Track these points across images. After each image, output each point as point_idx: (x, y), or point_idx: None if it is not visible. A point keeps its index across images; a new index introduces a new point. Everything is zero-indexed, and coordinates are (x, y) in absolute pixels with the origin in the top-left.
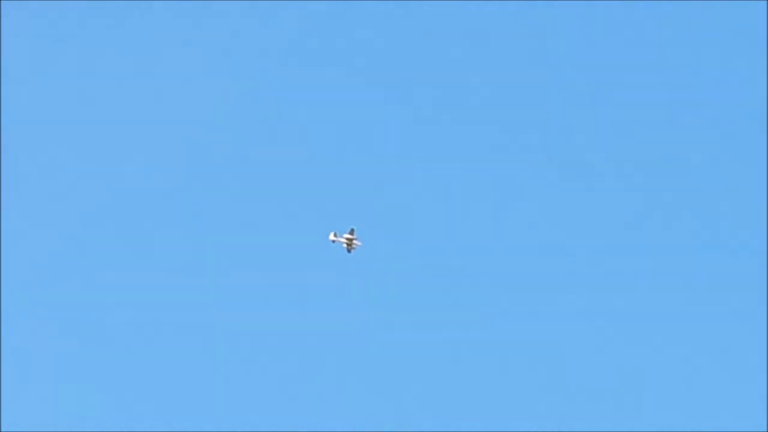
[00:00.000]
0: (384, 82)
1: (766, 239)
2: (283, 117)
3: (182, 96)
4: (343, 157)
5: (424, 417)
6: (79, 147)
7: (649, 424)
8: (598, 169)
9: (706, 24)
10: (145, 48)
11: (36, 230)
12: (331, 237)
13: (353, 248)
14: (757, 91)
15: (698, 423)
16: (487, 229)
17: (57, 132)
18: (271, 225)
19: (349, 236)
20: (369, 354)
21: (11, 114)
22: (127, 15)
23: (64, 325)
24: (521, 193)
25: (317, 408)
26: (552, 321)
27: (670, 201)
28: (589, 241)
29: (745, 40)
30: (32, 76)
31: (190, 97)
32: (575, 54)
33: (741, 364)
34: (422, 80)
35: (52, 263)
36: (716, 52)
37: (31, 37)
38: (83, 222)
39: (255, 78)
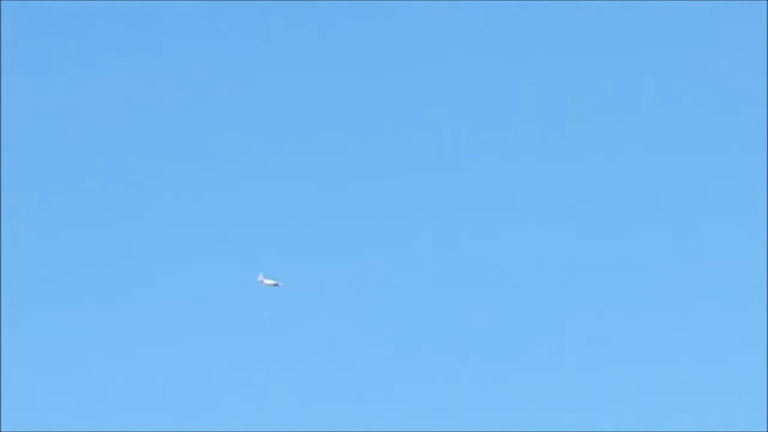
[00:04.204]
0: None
1: (767, 239)
2: (283, 116)
3: (183, 96)
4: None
5: (423, 417)
6: (79, 147)
7: (649, 424)
8: (596, 168)
9: (706, 24)
10: (145, 48)
11: (36, 230)
12: (260, 279)
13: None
14: (757, 91)
15: (698, 423)
16: (484, 230)
17: (57, 132)
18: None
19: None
20: (367, 353)
21: (11, 114)
22: (127, 15)
23: (65, 325)
24: (519, 191)
25: (315, 408)
26: (551, 320)
27: (669, 201)
28: (588, 240)
29: (745, 40)
30: (32, 76)
31: (191, 97)
32: (574, 53)
33: (741, 364)
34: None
35: (52, 263)
36: (716, 52)
37: (31, 37)
38: (83, 222)
39: (255, 77)
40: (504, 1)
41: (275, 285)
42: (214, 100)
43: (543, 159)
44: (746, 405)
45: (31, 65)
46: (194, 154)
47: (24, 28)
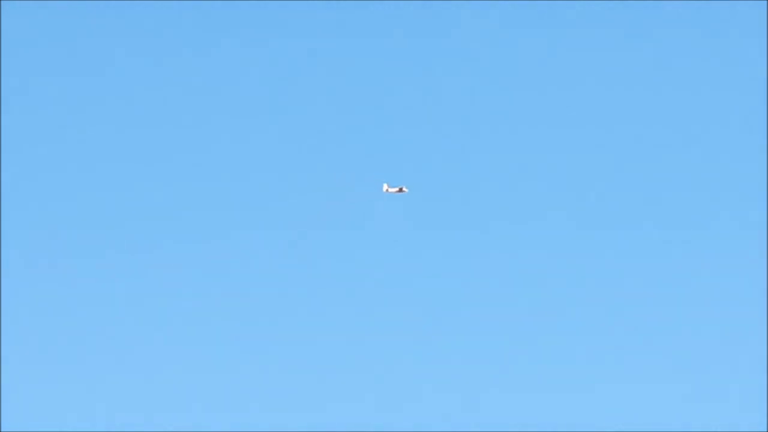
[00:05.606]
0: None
1: (766, 239)
2: (287, 114)
3: (183, 96)
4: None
5: (423, 417)
6: (79, 148)
7: (650, 424)
8: (597, 169)
9: (706, 24)
10: (145, 48)
11: (36, 231)
12: (384, 188)
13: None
14: (757, 91)
15: (698, 423)
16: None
17: (57, 133)
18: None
19: (398, 189)
20: (366, 353)
21: (11, 114)
22: (128, 15)
23: (65, 326)
24: (521, 191)
25: (315, 408)
26: (551, 319)
27: (669, 201)
28: (589, 240)
29: (745, 40)
30: (32, 76)
31: (192, 97)
32: (574, 53)
33: (741, 364)
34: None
35: (52, 263)
36: (716, 52)
37: (31, 37)
38: (83, 222)
39: (256, 78)
40: (505, 1)
41: (400, 191)
42: (214, 98)
43: (543, 159)
44: (746, 405)
45: (31, 64)
46: (195, 153)
47: (24, 28)
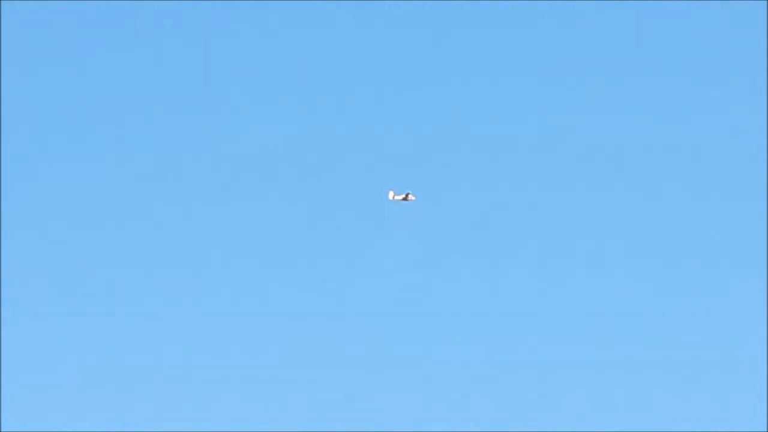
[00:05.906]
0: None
1: (766, 237)
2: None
3: (183, 96)
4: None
5: (423, 417)
6: (79, 148)
7: (650, 424)
8: (597, 169)
9: (706, 24)
10: (145, 48)
11: (36, 231)
12: (390, 196)
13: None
14: (757, 91)
15: (698, 423)
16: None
17: (57, 133)
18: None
19: (404, 196)
20: (367, 353)
21: (11, 114)
22: (128, 15)
23: (64, 326)
24: (521, 191)
25: (314, 407)
26: (552, 320)
27: (669, 201)
28: (588, 240)
29: (745, 40)
30: (32, 76)
31: (192, 97)
32: (573, 53)
33: (741, 364)
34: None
35: (52, 263)
36: (716, 52)
37: (31, 37)
38: (83, 222)
39: (257, 78)
40: (503, 1)
41: (405, 199)
42: (215, 98)
43: (543, 159)
44: (746, 405)
45: (31, 65)
46: (197, 153)
47: (24, 28)
